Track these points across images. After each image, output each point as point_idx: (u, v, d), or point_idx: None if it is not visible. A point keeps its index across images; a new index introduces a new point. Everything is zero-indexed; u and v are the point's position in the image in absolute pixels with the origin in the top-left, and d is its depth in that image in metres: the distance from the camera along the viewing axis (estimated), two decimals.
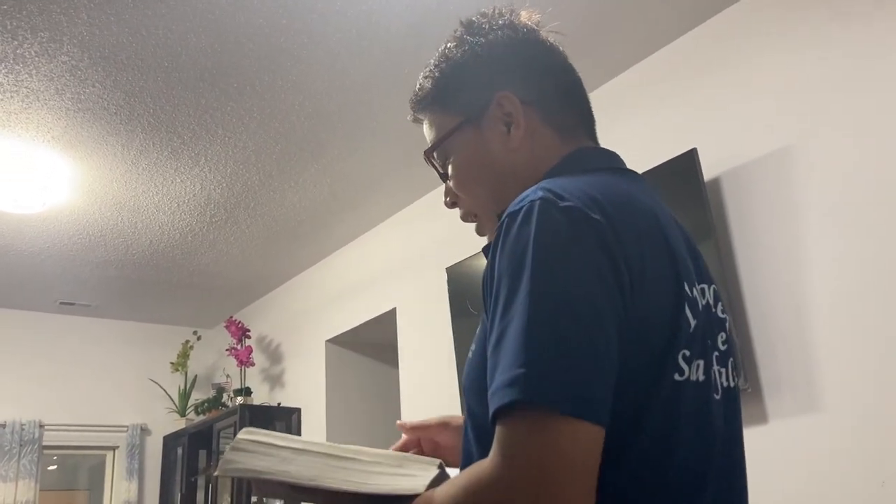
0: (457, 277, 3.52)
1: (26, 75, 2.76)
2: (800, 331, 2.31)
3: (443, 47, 1.06)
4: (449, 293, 3.55)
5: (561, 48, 1.06)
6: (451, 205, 1.09)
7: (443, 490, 0.77)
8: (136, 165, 3.48)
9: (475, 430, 0.83)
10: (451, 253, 3.58)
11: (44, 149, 3.27)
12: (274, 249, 4.57)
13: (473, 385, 0.83)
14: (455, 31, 1.06)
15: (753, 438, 2.19)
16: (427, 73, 1.07)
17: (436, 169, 1.08)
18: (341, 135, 3.33)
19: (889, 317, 2.14)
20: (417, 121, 1.11)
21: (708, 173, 2.57)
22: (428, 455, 1.07)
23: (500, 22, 1.03)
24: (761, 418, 2.33)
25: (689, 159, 2.56)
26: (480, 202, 1.03)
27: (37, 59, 2.68)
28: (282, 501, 4.54)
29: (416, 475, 0.84)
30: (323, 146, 3.41)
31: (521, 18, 1.04)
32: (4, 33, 2.53)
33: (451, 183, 1.06)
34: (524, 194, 0.82)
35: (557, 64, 1.04)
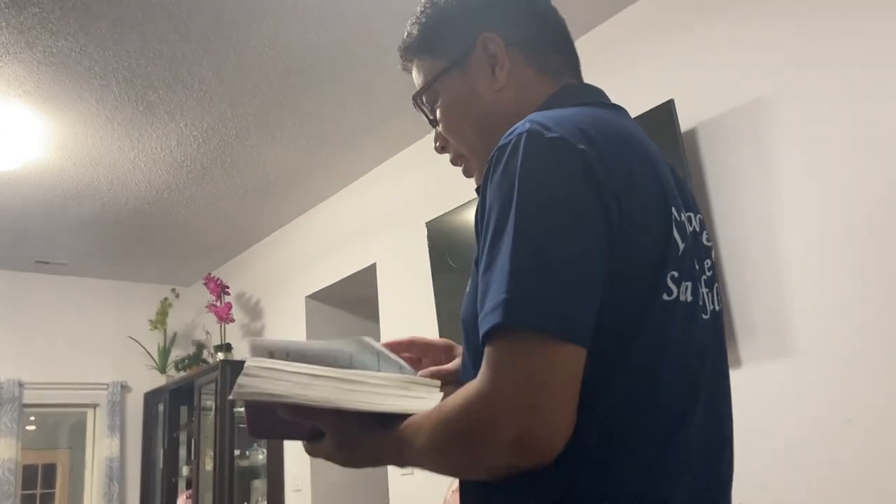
0: (436, 232, 3.54)
1: None
2: (773, 278, 2.38)
3: None
4: (429, 248, 3.57)
5: None
6: (441, 149, 1.11)
7: (439, 406, 0.82)
8: (110, 121, 3.44)
9: (473, 360, 0.87)
10: (431, 208, 3.59)
11: (16, 104, 3.22)
12: (252, 205, 4.55)
13: (469, 317, 0.86)
14: None
15: None
16: (414, 20, 1.09)
17: (424, 114, 1.10)
18: (318, 89, 3.30)
19: (859, 264, 2.20)
20: (406, 69, 1.13)
21: (685, 124, 2.60)
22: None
23: None
24: (735, 362, 2.40)
25: (666, 110, 2.59)
26: (468, 143, 1.06)
27: (6, 10, 2.62)
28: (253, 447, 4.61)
29: (423, 397, 0.89)
30: (299, 101, 3.39)
31: None
32: None
33: (439, 127, 1.08)
34: (513, 128, 0.85)
35: (541, 6, 1.07)
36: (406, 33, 1.10)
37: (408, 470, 0.95)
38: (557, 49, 1.06)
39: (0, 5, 2.59)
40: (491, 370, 0.75)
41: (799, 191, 2.36)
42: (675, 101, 2.58)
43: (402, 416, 0.85)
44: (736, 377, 0.99)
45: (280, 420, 0.88)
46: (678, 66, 2.72)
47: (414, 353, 1.14)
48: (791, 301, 2.32)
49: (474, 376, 0.79)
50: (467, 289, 0.90)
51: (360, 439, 0.89)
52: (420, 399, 0.88)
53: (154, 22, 2.75)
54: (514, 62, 1.02)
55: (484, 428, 0.74)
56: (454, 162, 1.11)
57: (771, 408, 2.31)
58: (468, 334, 0.89)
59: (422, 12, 1.08)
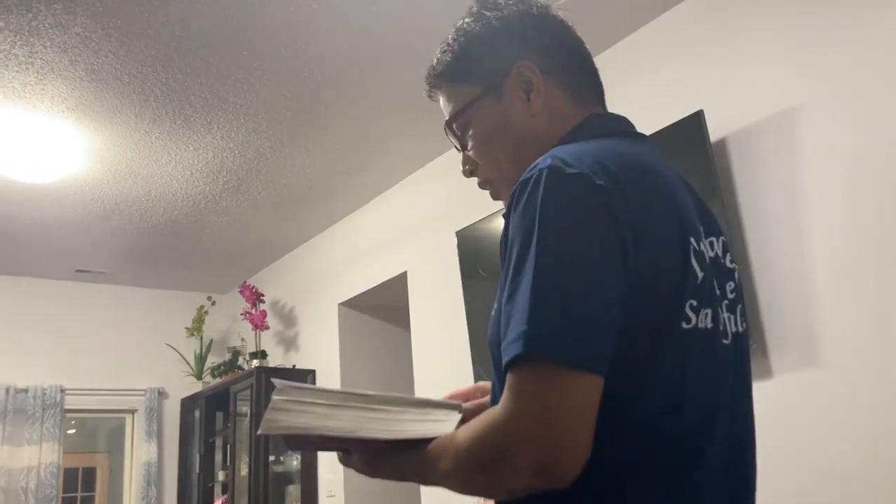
0: (467, 241, 3.57)
1: (41, 47, 2.80)
2: (803, 290, 2.37)
3: (459, 23, 1.11)
4: (459, 256, 3.60)
5: (571, 24, 1.11)
6: (470, 173, 1.14)
7: (461, 431, 0.86)
8: (148, 134, 3.53)
9: (500, 382, 0.90)
10: (461, 217, 3.63)
11: (59, 119, 3.32)
12: (286, 214, 4.63)
13: (495, 339, 0.90)
14: (471, 8, 1.10)
15: (759, 393, 2.26)
16: (445, 48, 1.11)
17: (455, 139, 1.12)
18: (350, 100, 3.36)
19: (890, 275, 2.19)
20: (432, 96, 1.15)
21: (714, 135, 2.60)
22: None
23: None
24: (766, 374, 2.39)
25: (696, 121, 2.59)
26: (500, 168, 1.08)
27: (51, 30, 2.72)
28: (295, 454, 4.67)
29: (441, 420, 0.93)
30: (332, 112, 3.45)
31: None
32: (20, 6, 2.56)
33: (470, 152, 1.11)
34: (535, 163, 0.88)
35: (570, 37, 1.10)
36: (436, 61, 1.12)
37: None
38: (585, 78, 1.09)
39: (45, 25, 2.68)
40: (512, 398, 0.79)
41: (830, 202, 2.35)
42: (705, 112, 2.59)
43: (424, 441, 0.90)
44: (767, 389, 1.01)
45: (314, 439, 0.93)
46: (708, 77, 2.72)
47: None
48: (822, 312, 2.32)
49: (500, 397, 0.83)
50: (493, 312, 0.93)
51: (385, 460, 0.95)
52: (438, 422, 0.92)
53: (191, 39, 2.82)
54: (548, 88, 1.05)
55: (504, 452, 0.78)
56: (482, 186, 1.14)
57: (802, 420, 2.31)
58: (494, 356, 0.93)
59: (454, 40, 1.10)
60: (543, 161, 0.87)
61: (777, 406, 2.33)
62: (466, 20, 1.10)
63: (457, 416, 0.94)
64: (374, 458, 0.96)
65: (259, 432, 0.91)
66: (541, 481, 0.77)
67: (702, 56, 2.75)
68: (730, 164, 2.61)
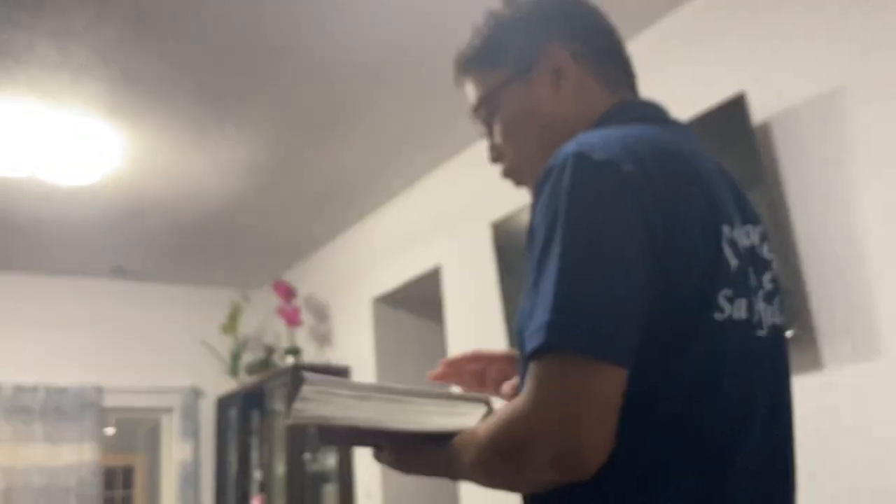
0: (502, 233, 3.53)
1: (75, 48, 2.81)
2: (856, 275, 2.30)
3: (491, 7, 1.10)
4: (494, 248, 3.57)
5: (602, 9, 1.10)
6: (496, 160, 1.12)
7: (485, 424, 0.87)
8: (182, 133, 3.53)
9: (525, 371, 0.90)
10: (495, 208, 3.59)
11: (94, 120, 3.34)
12: (318, 210, 4.62)
13: (522, 330, 0.89)
14: None
15: (808, 386, 2.20)
16: (475, 33, 1.10)
17: (482, 125, 1.12)
18: (380, 93, 3.34)
19: None
20: (459, 82, 1.15)
21: (757, 117, 2.53)
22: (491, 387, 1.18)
23: None
24: (816, 365, 2.33)
25: (738, 104, 2.53)
26: (527, 154, 1.07)
27: (85, 32, 2.72)
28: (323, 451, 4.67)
29: (467, 413, 0.94)
30: (362, 106, 3.43)
31: None
32: (54, 8, 2.57)
33: (497, 138, 1.10)
34: (561, 149, 0.86)
35: (601, 23, 1.09)
36: (466, 45, 1.11)
37: None
38: (616, 63, 1.07)
39: (79, 27, 2.68)
40: (534, 388, 0.78)
41: (880, 183, 2.28)
42: (747, 94, 2.52)
43: (449, 433, 0.91)
44: (817, 381, 0.98)
45: (345, 432, 0.95)
46: (749, 58, 2.66)
47: (478, 366, 1.19)
48: (876, 299, 2.24)
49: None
50: (521, 302, 0.92)
51: (415, 453, 0.96)
52: (463, 416, 0.94)
53: (222, 37, 2.82)
54: (579, 74, 1.03)
55: (525, 444, 0.78)
56: (507, 174, 1.12)
57: (857, 412, 2.24)
58: (520, 346, 0.91)
59: (484, 24, 1.09)
60: (569, 147, 0.85)
61: (828, 399, 2.26)
62: (498, 5, 1.09)
63: (482, 410, 0.94)
64: (405, 452, 0.97)
65: (287, 422, 0.95)
66: (561, 473, 0.76)
67: (743, 36, 2.69)
68: (774, 148, 2.55)
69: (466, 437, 0.87)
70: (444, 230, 4.14)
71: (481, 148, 4.12)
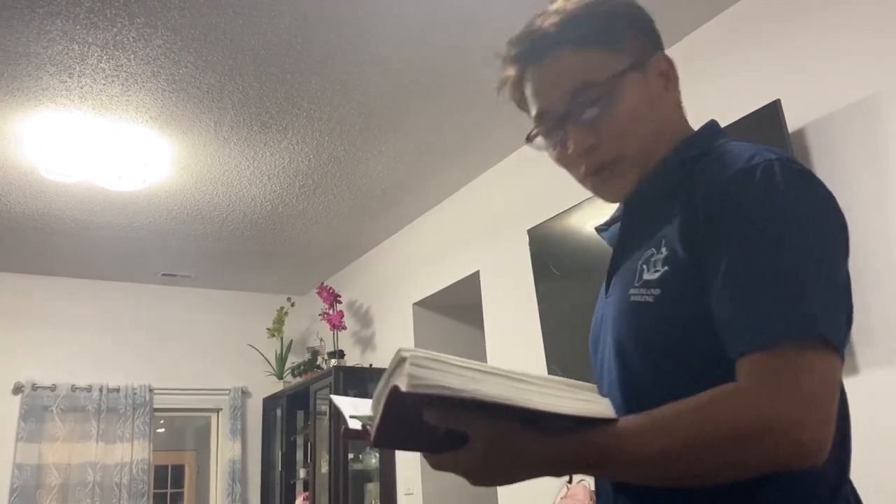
0: (538, 239, 3.55)
1: (125, 60, 2.93)
2: (891, 279, 2.27)
3: None
4: (531, 255, 3.59)
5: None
6: (590, 150, 1.00)
7: (671, 410, 0.80)
8: (227, 141, 3.64)
9: (624, 382, 0.94)
10: (532, 215, 3.62)
11: (143, 129, 3.46)
12: (360, 217, 4.70)
13: (650, 335, 0.91)
14: None
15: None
16: (577, 5, 1.01)
17: (578, 107, 0.99)
18: (421, 103, 3.39)
19: None
20: (537, 55, 1.01)
21: (792, 125, 2.52)
22: None
23: None
24: (852, 370, 2.30)
25: (773, 111, 2.51)
26: (630, 152, 1.00)
27: (134, 44, 2.83)
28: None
29: (593, 401, 0.83)
30: (404, 115, 3.49)
31: None
32: (105, 21, 2.69)
33: (601, 126, 0.99)
34: (752, 155, 0.89)
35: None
36: (567, 16, 1.00)
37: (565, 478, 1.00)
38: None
39: (128, 39, 2.80)
40: (779, 376, 0.78)
41: None
42: (782, 102, 2.51)
43: (588, 419, 0.81)
44: (853, 386, 1.01)
45: (414, 427, 0.81)
46: (784, 66, 2.64)
47: None
48: None
49: (623, 402, 0.88)
50: (638, 298, 0.92)
51: (525, 445, 0.81)
52: (591, 402, 0.82)
53: (266, 47, 2.90)
54: (676, 84, 1.06)
55: (762, 433, 0.76)
56: (594, 168, 1.02)
57: (893, 420, 2.21)
58: (627, 350, 0.93)
59: (586, 4, 1.01)
60: (765, 154, 0.89)
61: (864, 405, 2.23)
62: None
63: (605, 399, 0.86)
64: (505, 445, 0.80)
65: (403, 389, 0.73)
66: (799, 460, 0.78)
67: (777, 44, 2.67)
68: (809, 156, 2.53)
69: (645, 422, 0.80)
70: (482, 237, 4.18)
71: (518, 157, 4.16)
